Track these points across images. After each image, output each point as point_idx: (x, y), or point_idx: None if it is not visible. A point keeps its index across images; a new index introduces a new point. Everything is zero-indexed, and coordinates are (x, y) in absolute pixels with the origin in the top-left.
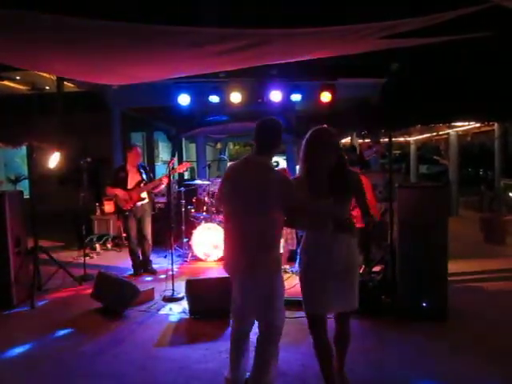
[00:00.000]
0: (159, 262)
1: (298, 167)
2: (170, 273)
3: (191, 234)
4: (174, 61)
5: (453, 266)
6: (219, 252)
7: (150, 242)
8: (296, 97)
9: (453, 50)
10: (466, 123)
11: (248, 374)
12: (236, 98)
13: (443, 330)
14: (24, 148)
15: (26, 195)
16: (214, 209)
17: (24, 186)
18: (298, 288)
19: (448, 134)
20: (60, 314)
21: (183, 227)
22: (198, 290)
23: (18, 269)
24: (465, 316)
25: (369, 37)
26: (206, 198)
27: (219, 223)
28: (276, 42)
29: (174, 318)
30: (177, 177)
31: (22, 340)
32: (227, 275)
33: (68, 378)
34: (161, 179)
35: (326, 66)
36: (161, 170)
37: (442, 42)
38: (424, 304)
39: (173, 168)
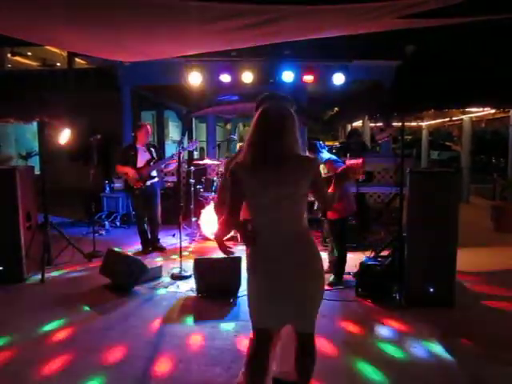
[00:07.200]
0: (168, 241)
1: None
2: (179, 251)
3: (200, 213)
4: (186, 37)
5: (462, 254)
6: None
7: (159, 220)
8: (308, 78)
9: (470, 34)
10: (481, 109)
11: None
12: (247, 77)
13: (449, 317)
14: (35, 124)
15: (37, 171)
16: None
17: (35, 162)
18: None
19: (462, 119)
20: (69, 288)
21: (192, 206)
22: (206, 269)
23: (29, 243)
24: (471, 304)
25: (386, 16)
26: (215, 178)
27: None
28: (291, 19)
29: (181, 296)
30: (187, 156)
31: (31, 314)
32: (234, 255)
33: (76, 351)
34: (172, 158)
35: (340, 47)
36: (170, 149)
37: (459, 25)
38: (431, 290)
39: (183, 147)
